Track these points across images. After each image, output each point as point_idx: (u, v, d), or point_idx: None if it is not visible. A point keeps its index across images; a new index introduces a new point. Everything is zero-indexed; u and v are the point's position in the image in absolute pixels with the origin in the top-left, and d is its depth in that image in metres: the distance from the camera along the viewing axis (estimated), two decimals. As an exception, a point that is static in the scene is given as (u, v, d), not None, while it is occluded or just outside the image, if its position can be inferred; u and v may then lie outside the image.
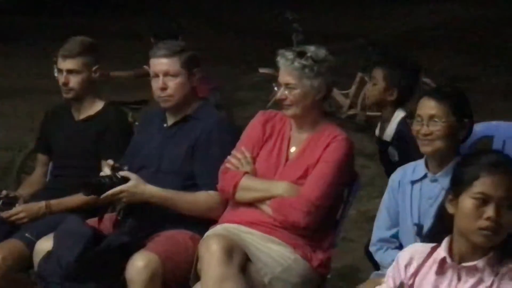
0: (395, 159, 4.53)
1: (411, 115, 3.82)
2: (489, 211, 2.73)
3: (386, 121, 4.68)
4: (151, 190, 4.02)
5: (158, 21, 8.19)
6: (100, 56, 4.64)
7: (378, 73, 4.70)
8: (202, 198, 4.10)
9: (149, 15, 13.65)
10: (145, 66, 7.45)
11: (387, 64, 4.81)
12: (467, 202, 2.78)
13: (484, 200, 2.74)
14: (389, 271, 3.05)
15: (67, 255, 3.81)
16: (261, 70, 7.99)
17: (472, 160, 2.86)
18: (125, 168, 4.07)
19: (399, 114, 4.60)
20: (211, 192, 4.10)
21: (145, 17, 13.37)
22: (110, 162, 4.06)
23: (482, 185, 2.75)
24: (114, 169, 4.03)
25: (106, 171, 4.03)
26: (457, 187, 2.83)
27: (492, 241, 2.76)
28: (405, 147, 4.41)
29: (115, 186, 3.95)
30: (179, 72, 4.16)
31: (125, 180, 3.98)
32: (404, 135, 4.43)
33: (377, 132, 4.79)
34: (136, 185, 3.98)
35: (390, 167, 4.57)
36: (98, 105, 4.61)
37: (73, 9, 14.34)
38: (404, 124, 4.43)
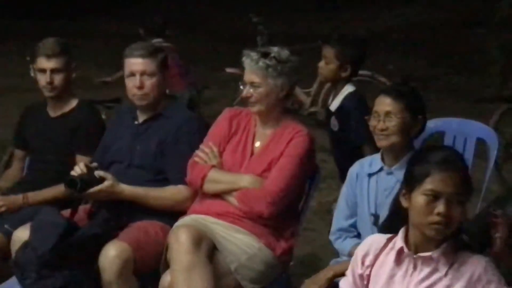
0: (335, 129, 4.58)
1: (369, 112, 3.83)
2: (440, 207, 2.74)
3: (337, 94, 4.73)
4: (126, 189, 4.02)
5: (149, 15, 8.22)
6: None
7: (329, 52, 4.66)
8: (171, 193, 4.10)
9: (124, 17, 13.66)
10: None
11: (336, 41, 4.72)
12: (419, 198, 2.79)
13: (434, 197, 2.76)
14: (350, 264, 3.07)
15: (43, 245, 3.79)
16: (228, 70, 7.99)
17: (423, 157, 2.88)
18: (94, 165, 4.06)
19: (347, 89, 4.65)
20: (180, 187, 4.09)
21: (120, 19, 13.42)
22: (85, 161, 4.05)
23: (432, 182, 2.77)
24: (89, 168, 4.00)
25: (81, 167, 4.00)
26: (409, 184, 2.85)
27: (443, 234, 2.78)
28: (345, 119, 4.50)
29: (93, 185, 3.93)
30: (155, 72, 4.14)
31: (102, 179, 3.96)
32: (347, 108, 4.52)
33: (329, 102, 4.81)
34: (112, 185, 3.98)
35: (331, 136, 4.73)
36: (72, 103, 4.58)
37: (50, 11, 14.24)
38: (349, 99, 4.53)
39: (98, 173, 3.97)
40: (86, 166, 4.01)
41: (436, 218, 2.74)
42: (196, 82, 7.96)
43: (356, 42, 4.89)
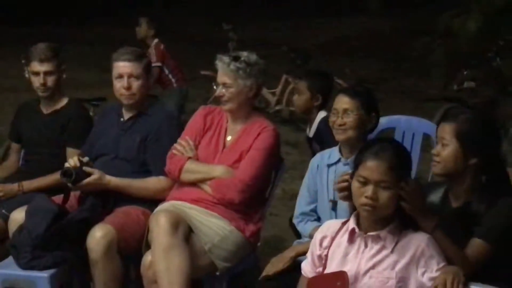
0: (317, 151, 4.57)
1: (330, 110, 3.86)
2: (368, 191, 2.78)
3: (313, 122, 4.81)
4: (112, 180, 4.00)
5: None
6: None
7: (302, 86, 4.82)
8: (152, 183, 4.09)
9: (108, 24, 13.57)
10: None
11: (308, 76, 4.93)
12: (354, 182, 2.84)
13: (364, 182, 2.79)
14: (310, 247, 3.08)
15: (36, 228, 3.77)
16: (203, 72, 7.98)
17: (365, 148, 2.92)
18: (86, 159, 4.04)
19: (320, 115, 4.74)
20: (160, 177, 4.08)
21: (105, 26, 13.34)
22: (76, 158, 4.00)
23: (363, 169, 2.82)
24: (81, 161, 3.98)
25: (75, 160, 3.98)
26: (353, 170, 2.89)
27: (373, 215, 2.82)
28: (324, 141, 4.48)
29: (84, 178, 3.91)
30: (141, 75, 4.13)
31: (90, 173, 3.95)
32: (323, 131, 4.55)
33: (307, 132, 4.89)
34: (99, 178, 3.95)
35: None
36: (63, 101, 4.56)
37: (42, 19, 14.10)
38: (323, 123, 4.53)
39: (85, 169, 3.95)
40: (79, 159, 3.99)
41: (364, 200, 2.78)
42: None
43: (323, 75, 5.11)
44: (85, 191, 4.01)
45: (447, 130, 3.05)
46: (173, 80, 7.83)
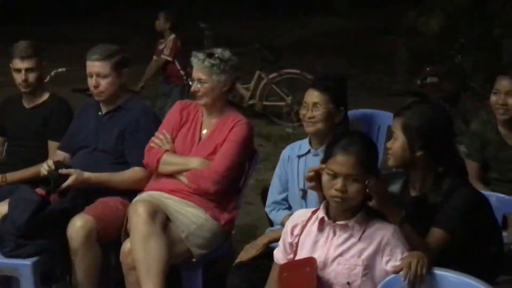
0: None
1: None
2: (337, 184, 2.77)
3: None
4: (91, 176, 3.96)
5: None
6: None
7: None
8: (129, 175, 4.07)
9: (91, 23, 13.47)
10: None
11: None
12: (324, 175, 2.83)
13: (334, 175, 2.79)
14: (281, 235, 3.07)
15: (20, 218, 3.75)
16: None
17: (334, 142, 2.90)
18: (61, 158, 4.05)
19: None
20: (137, 168, 4.06)
21: (86, 24, 13.23)
22: (50, 162, 3.95)
23: (333, 163, 2.80)
24: (56, 164, 3.93)
25: (49, 164, 3.92)
26: (323, 162, 2.88)
27: (342, 206, 2.82)
28: None
29: (63, 181, 3.86)
30: (108, 74, 4.10)
31: (67, 175, 3.89)
32: None
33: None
34: (78, 177, 3.90)
35: None
36: (44, 96, 4.53)
37: (27, 18, 13.93)
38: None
39: (61, 171, 3.90)
40: (54, 162, 3.95)
41: (334, 193, 2.77)
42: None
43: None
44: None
45: (396, 125, 3.07)
46: (184, 77, 7.73)
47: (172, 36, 7.80)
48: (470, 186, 3.25)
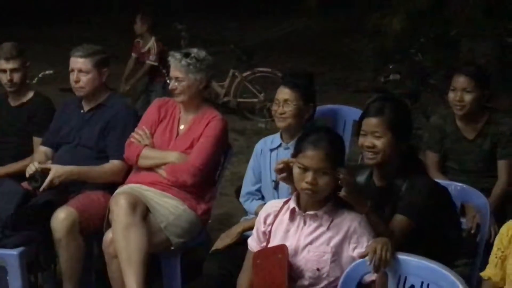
0: None
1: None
2: (308, 177, 2.78)
3: None
4: (73, 169, 3.94)
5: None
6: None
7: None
8: (108, 168, 4.04)
9: (74, 24, 13.33)
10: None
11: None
12: (295, 168, 2.84)
13: (304, 169, 2.79)
14: (255, 224, 3.07)
15: (6, 210, 3.73)
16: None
17: (304, 137, 2.91)
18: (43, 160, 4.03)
19: None
20: (115, 162, 4.05)
21: (67, 27, 13.11)
22: (36, 164, 3.93)
23: (303, 158, 2.81)
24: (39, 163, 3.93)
25: (35, 165, 3.90)
26: (293, 156, 2.89)
27: (313, 198, 2.83)
28: None
29: (44, 179, 3.83)
30: (90, 70, 4.08)
31: (47, 170, 3.87)
32: None
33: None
34: (57, 171, 3.87)
35: None
36: (29, 95, 4.49)
37: (11, 19, 13.74)
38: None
39: (39, 166, 3.88)
40: (38, 163, 3.93)
41: (305, 185, 2.79)
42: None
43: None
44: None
45: (377, 124, 3.04)
46: (166, 74, 7.57)
47: (153, 38, 7.67)
48: (430, 177, 3.29)
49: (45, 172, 3.86)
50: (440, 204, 3.15)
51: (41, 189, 3.85)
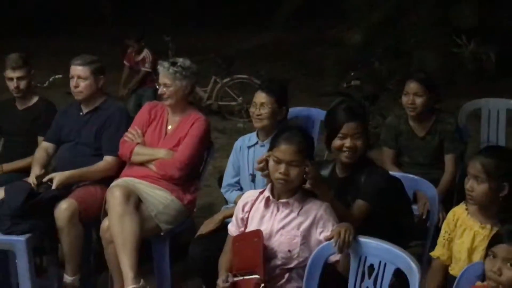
0: None
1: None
2: (281, 168, 2.79)
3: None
4: (72, 173, 3.90)
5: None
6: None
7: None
8: (101, 166, 4.00)
9: (73, 36, 13.19)
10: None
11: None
12: (270, 161, 2.84)
13: (278, 161, 2.80)
14: (234, 212, 3.07)
15: (14, 202, 3.70)
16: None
17: (279, 134, 2.92)
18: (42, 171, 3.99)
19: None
20: (108, 158, 4.02)
21: (67, 39, 12.97)
22: (34, 179, 3.90)
23: (277, 151, 2.82)
24: (38, 177, 3.90)
25: (33, 179, 3.89)
26: (269, 151, 2.89)
27: (286, 187, 2.83)
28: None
29: (49, 187, 3.82)
30: (87, 77, 4.05)
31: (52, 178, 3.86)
32: None
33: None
34: (59, 179, 3.83)
35: None
36: (34, 99, 4.46)
37: (16, 31, 13.56)
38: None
39: (47, 177, 3.87)
40: (36, 177, 3.90)
41: (279, 176, 2.79)
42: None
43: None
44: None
45: (356, 127, 3.04)
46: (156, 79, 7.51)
47: (145, 49, 7.64)
48: (384, 169, 3.33)
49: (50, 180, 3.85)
50: (394, 192, 3.17)
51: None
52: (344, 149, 3.03)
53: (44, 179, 3.87)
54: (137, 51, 7.58)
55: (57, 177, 3.85)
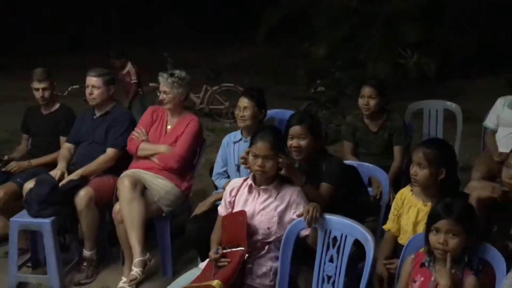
0: None
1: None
2: (258, 162, 2.79)
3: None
4: (78, 172, 3.85)
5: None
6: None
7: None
8: (101, 159, 3.95)
9: (91, 52, 13.06)
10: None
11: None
12: (250, 156, 2.83)
13: (256, 156, 2.80)
14: (223, 196, 3.05)
15: (41, 190, 3.69)
16: (151, 84, 7.76)
17: (256, 133, 2.90)
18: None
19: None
20: (109, 150, 3.97)
21: (83, 55, 12.86)
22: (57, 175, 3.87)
23: (255, 148, 2.82)
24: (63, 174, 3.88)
25: (58, 174, 3.86)
26: (249, 147, 2.89)
27: (263, 176, 2.83)
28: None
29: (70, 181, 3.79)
30: (100, 86, 4.03)
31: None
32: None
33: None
34: (74, 177, 3.81)
35: None
36: (56, 106, 4.43)
37: (39, 49, 13.39)
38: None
39: (69, 177, 3.82)
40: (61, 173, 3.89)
41: (256, 168, 2.80)
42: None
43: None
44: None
45: (300, 130, 3.05)
46: (140, 91, 7.15)
47: (129, 63, 7.03)
48: (340, 157, 3.37)
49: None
50: (350, 176, 3.21)
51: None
52: (292, 148, 3.03)
53: (63, 182, 3.82)
54: (121, 66, 6.98)
55: (73, 176, 3.83)
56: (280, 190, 2.85)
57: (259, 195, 2.88)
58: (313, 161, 3.10)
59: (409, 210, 2.87)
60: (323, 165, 3.07)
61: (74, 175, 3.84)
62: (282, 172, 2.81)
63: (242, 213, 2.83)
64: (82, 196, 3.71)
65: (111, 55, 7.01)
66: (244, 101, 3.73)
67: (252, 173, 2.91)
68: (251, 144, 2.87)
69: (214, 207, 3.50)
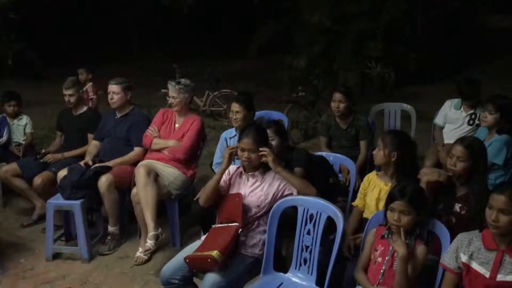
0: None
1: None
2: (245, 154, 2.78)
3: None
4: (114, 162, 3.86)
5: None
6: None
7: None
8: (132, 156, 3.96)
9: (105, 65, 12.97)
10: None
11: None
12: (239, 150, 2.81)
13: (242, 149, 2.78)
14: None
15: (73, 177, 3.70)
16: (162, 90, 7.75)
17: (243, 130, 2.88)
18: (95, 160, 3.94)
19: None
20: (137, 148, 3.98)
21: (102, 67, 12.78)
22: (89, 162, 3.87)
23: (241, 143, 2.80)
24: (93, 161, 3.87)
25: (89, 159, 3.89)
26: (237, 142, 2.86)
27: (250, 166, 2.81)
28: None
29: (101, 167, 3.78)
30: (119, 92, 4.02)
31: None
32: None
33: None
34: (104, 166, 3.81)
35: None
36: (84, 108, 4.43)
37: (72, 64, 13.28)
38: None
39: (97, 165, 3.80)
40: (90, 161, 3.88)
41: (243, 159, 2.79)
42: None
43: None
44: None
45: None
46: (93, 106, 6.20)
47: (90, 83, 6.52)
48: (305, 148, 3.40)
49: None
50: (322, 164, 3.22)
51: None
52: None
53: (97, 165, 3.81)
54: (84, 81, 6.44)
55: (104, 165, 3.82)
56: (265, 176, 2.86)
57: (248, 180, 2.88)
58: (283, 158, 3.08)
59: (373, 189, 2.89)
60: (292, 156, 3.10)
61: (103, 165, 3.82)
62: (263, 159, 2.80)
63: (239, 195, 2.82)
64: (104, 181, 3.71)
65: (86, 68, 6.59)
66: (235, 106, 3.73)
67: (242, 163, 2.91)
68: (239, 140, 2.86)
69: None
